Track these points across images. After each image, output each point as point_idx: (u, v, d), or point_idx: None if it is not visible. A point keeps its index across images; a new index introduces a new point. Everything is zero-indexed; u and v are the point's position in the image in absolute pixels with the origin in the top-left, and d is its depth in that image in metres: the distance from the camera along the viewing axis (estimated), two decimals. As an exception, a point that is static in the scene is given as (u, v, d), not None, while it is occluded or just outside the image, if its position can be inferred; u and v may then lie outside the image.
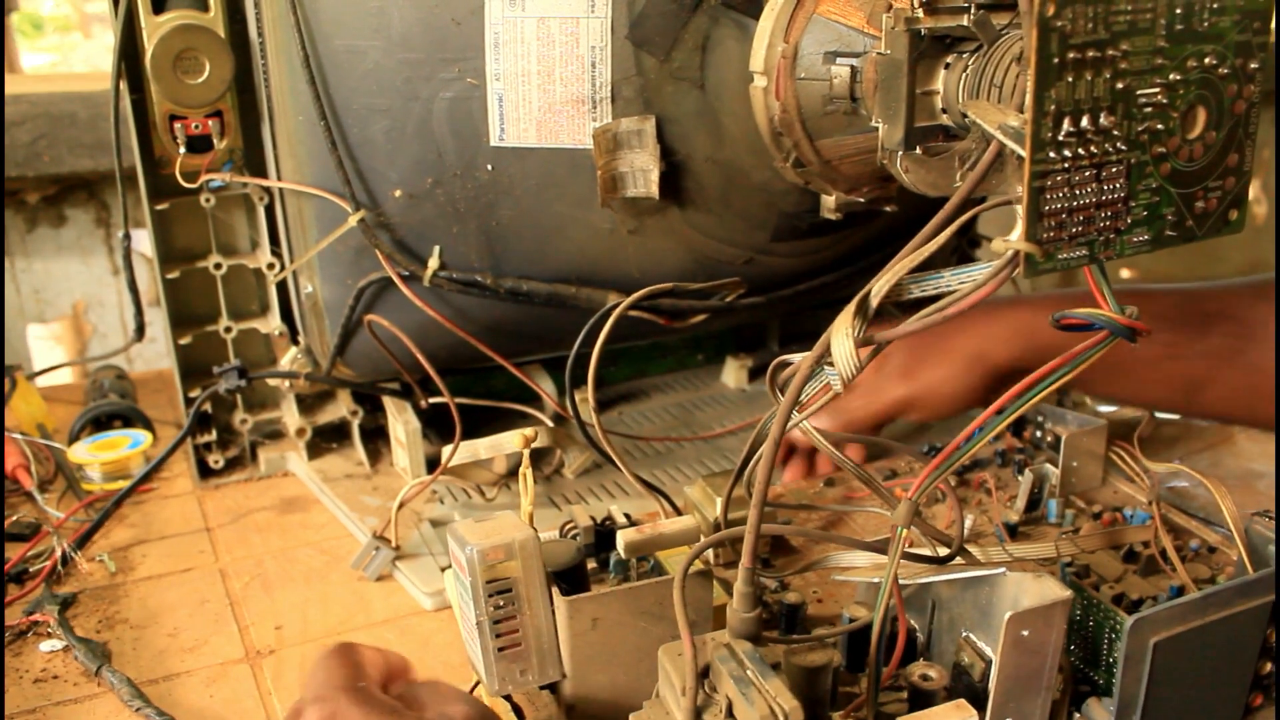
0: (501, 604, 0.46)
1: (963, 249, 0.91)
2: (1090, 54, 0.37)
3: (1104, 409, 0.76)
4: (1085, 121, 0.37)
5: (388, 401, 0.78)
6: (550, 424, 0.76)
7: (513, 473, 0.77)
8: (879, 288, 0.42)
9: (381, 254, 0.67)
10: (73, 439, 0.82)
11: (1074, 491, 0.69)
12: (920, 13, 0.45)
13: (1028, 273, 0.38)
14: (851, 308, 0.42)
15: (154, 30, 0.67)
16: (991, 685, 0.44)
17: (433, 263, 0.67)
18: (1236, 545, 0.54)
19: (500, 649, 0.46)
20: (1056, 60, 0.36)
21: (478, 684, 0.52)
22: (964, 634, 0.47)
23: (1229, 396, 0.68)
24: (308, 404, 0.82)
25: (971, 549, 0.58)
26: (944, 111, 0.47)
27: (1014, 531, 0.65)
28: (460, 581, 0.48)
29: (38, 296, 1.51)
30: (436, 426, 0.77)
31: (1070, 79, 0.37)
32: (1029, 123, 0.36)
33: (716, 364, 0.95)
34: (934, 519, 0.67)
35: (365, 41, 0.62)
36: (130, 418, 0.86)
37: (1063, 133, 0.37)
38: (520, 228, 0.66)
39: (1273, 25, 0.40)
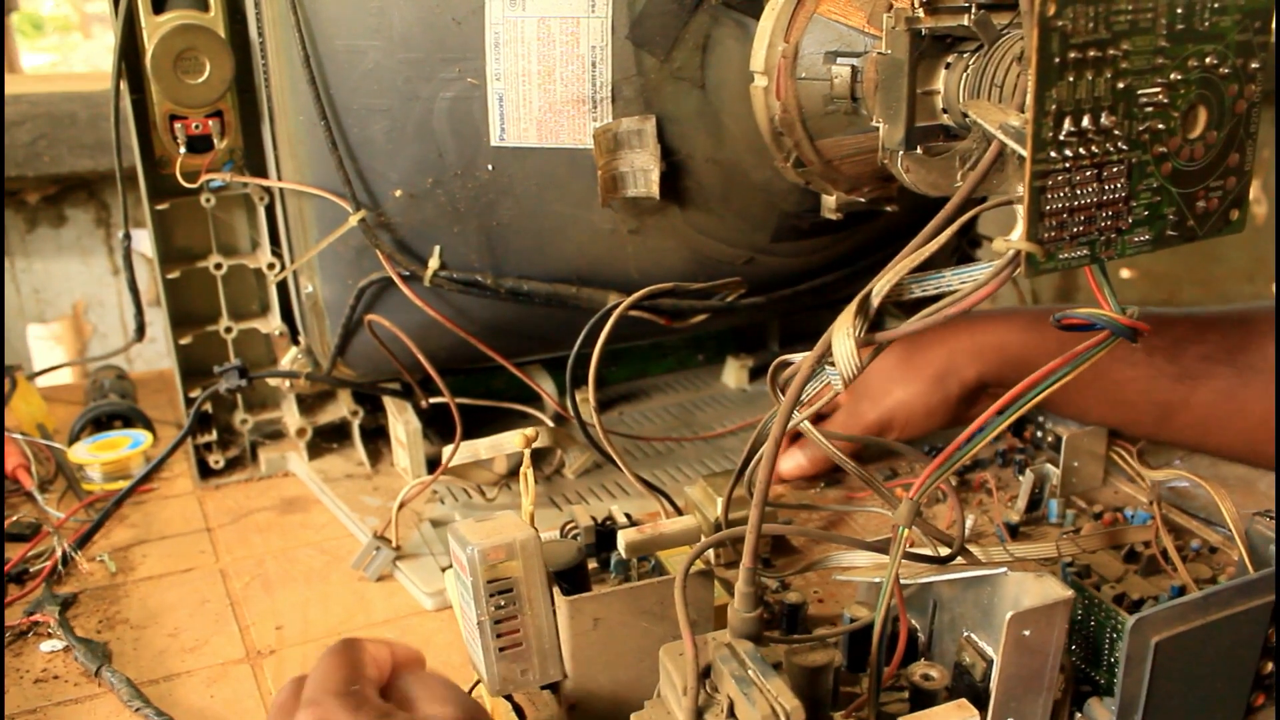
0: (502, 604, 0.46)
1: (963, 249, 0.91)
2: (1091, 53, 0.37)
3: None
4: (1086, 121, 0.37)
5: (388, 401, 0.78)
6: (551, 424, 0.76)
7: (513, 473, 0.77)
8: (880, 287, 0.42)
9: (382, 254, 0.67)
10: (73, 439, 0.82)
11: (1075, 492, 0.70)
12: (921, 12, 0.45)
13: (1029, 272, 0.38)
14: (852, 307, 0.42)
15: (154, 30, 0.67)
16: (993, 685, 0.44)
17: (433, 263, 0.67)
18: (1237, 545, 0.54)
19: (501, 649, 0.46)
20: (1057, 60, 0.36)
21: (478, 683, 0.52)
22: (965, 634, 0.48)
23: (1205, 422, 0.67)
24: (308, 404, 0.82)
25: (972, 549, 0.58)
26: (945, 111, 0.47)
27: (1015, 532, 0.65)
28: (461, 581, 0.48)
29: (38, 296, 1.51)
30: (437, 426, 0.77)
31: (1071, 78, 0.37)
32: (1030, 122, 0.36)
33: (717, 364, 0.95)
34: (935, 519, 0.67)
35: (366, 41, 0.62)
36: (130, 418, 0.86)
37: (1064, 132, 0.37)
38: (521, 228, 0.66)
39: (1273, 25, 0.40)
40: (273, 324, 0.80)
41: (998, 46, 0.43)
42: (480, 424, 0.72)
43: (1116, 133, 0.38)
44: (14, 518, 0.73)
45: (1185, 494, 0.67)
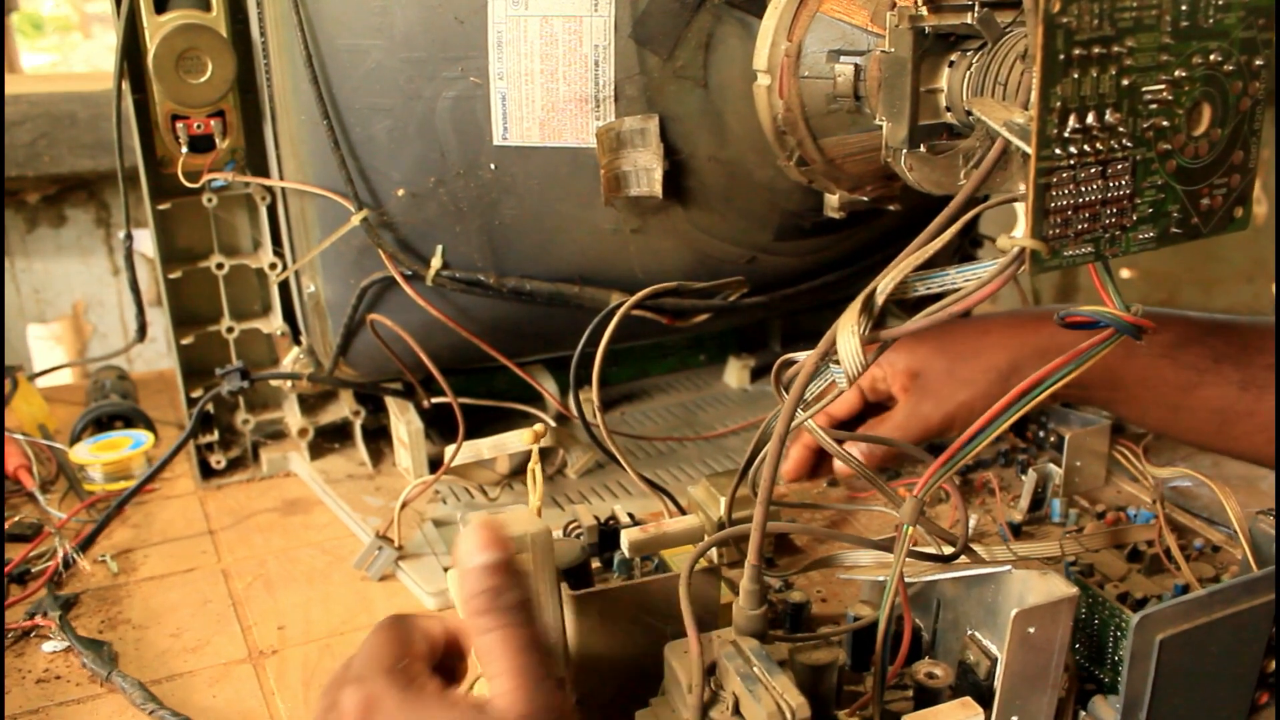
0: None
1: (965, 249, 0.91)
2: (1096, 50, 0.37)
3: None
4: (1090, 118, 0.37)
5: (390, 401, 0.78)
6: (553, 424, 0.76)
7: (515, 473, 0.77)
8: (884, 285, 0.42)
9: (384, 253, 0.67)
10: (74, 439, 0.82)
11: (1077, 491, 0.70)
12: (924, 10, 0.45)
13: (1033, 270, 0.38)
14: (856, 305, 0.42)
15: (156, 30, 0.67)
16: (997, 683, 0.44)
17: (435, 262, 0.67)
18: (1240, 544, 0.54)
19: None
20: (1062, 57, 0.36)
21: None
22: (969, 632, 0.47)
23: (1267, 430, 0.66)
24: (310, 404, 0.82)
25: (976, 548, 0.57)
26: (948, 109, 0.47)
27: (1018, 531, 0.65)
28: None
29: (38, 296, 1.51)
30: (439, 426, 0.77)
31: (1076, 75, 0.37)
32: (1034, 119, 0.36)
33: (719, 364, 0.95)
34: (937, 519, 0.67)
35: (368, 41, 0.62)
36: (132, 418, 0.86)
37: (1068, 129, 0.37)
38: (523, 227, 0.66)
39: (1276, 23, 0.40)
40: (274, 324, 0.79)
41: (1001, 44, 0.43)
42: (482, 424, 0.72)
43: (1121, 130, 0.38)
44: (15, 518, 0.73)
45: (1188, 493, 0.67)
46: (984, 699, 0.45)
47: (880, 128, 0.49)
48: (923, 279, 0.43)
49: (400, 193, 0.66)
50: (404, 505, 0.67)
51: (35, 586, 0.65)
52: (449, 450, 0.68)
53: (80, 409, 0.86)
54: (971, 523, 0.66)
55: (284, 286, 0.78)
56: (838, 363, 0.43)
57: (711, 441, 0.83)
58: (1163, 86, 0.38)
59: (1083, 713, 0.49)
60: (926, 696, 0.46)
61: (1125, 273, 1.82)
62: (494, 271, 0.68)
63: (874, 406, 0.74)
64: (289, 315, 0.79)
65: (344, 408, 0.81)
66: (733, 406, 0.89)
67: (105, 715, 0.55)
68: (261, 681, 0.57)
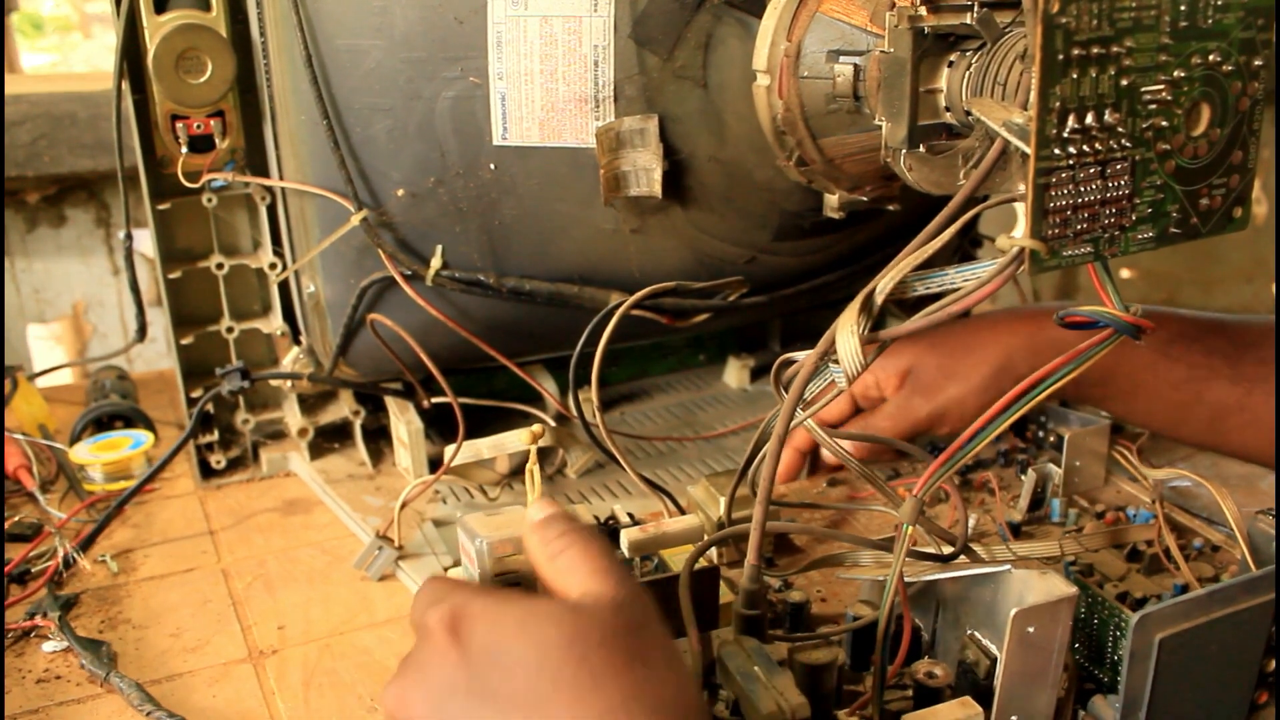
0: (507, 600, 0.46)
1: (964, 249, 0.91)
2: (1095, 50, 0.37)
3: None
4: (1090, 118, 0.37)
5: (390, 401, 0.78)
6: (553, 424, 0.76)
7: (515, 473, 0.77)
8: (884, 285, 0.42)
9: (384, 253, 0.67)
10: (74, 439, 0.82)
11: (1077, 491, 0.70)
12: (923, 10, 0.45)
13: (1033, 270, 0.38)
14: (856, 305, 0.43)
15: (156, 30, 0.67)
16: (997, 682, 0.44)
17: (435, 262, 0.67)
18: (1239, 544, 0.54)
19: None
20: (1061, 57, 0.36)
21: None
22: (969, 631, 0.48)
23: (1259, 428, 0.67)
24: (310, 404, 0.82)
25: (975, 548, 0.58)
26: (947, 109, 0.47)
27: (1017, 531, 0.65)
28: (469, 574, 0.48)
29: (38, 296, 1.51)
30: (439, 426, 0.77)
31: (1075, 75, 0.37)
32: (1033, 119, 0.36)
33: (718, 364, 0.95)
34: (937, 519, 0.67)
35: (368, 41, 0.62)
36: (132, 418, 0.86)
37: (1067, 129, 0.37)
38: (523, 227, 0.66)
39: (1275, 23, 0.40)
40: (274, 324, 0.80)
41: (1000, 44, 0.44)
42: (482, 424, 0.72)
43: (1120, 130, 0.38)
44: (15, 518, 0.73)
45: (1187, 493, 0.67)
46: (983, 698, 0.45)
47: (880, 128, 0.49)
48: (922, 279, 0.43)
49: (400, 193, 0.66)
50: (404, 505, 0.67)
51: (35, 586, 0.65)
52: (449, 450, 0.68)
53: (80, 409, 0.86)
54: (971, 522, 0.66)
55: (284, 286, 0.78)
56: (837, 362, 0.43)
57: (711, 441, 0.83)
58: (1162, 87, 0.38)
59: (1082, 712, 0.49)
60: (926, 696, 0.46)
61: (1125, 273, 1.82)
62: (494, 271, 0.68)
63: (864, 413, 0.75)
64: (289, 315, 0.79)
65: (344, 408, 0.81)
66: (732, 406, 0.89)
67: (105, 715, 0.55)
68: (261, 681, 0.57)
